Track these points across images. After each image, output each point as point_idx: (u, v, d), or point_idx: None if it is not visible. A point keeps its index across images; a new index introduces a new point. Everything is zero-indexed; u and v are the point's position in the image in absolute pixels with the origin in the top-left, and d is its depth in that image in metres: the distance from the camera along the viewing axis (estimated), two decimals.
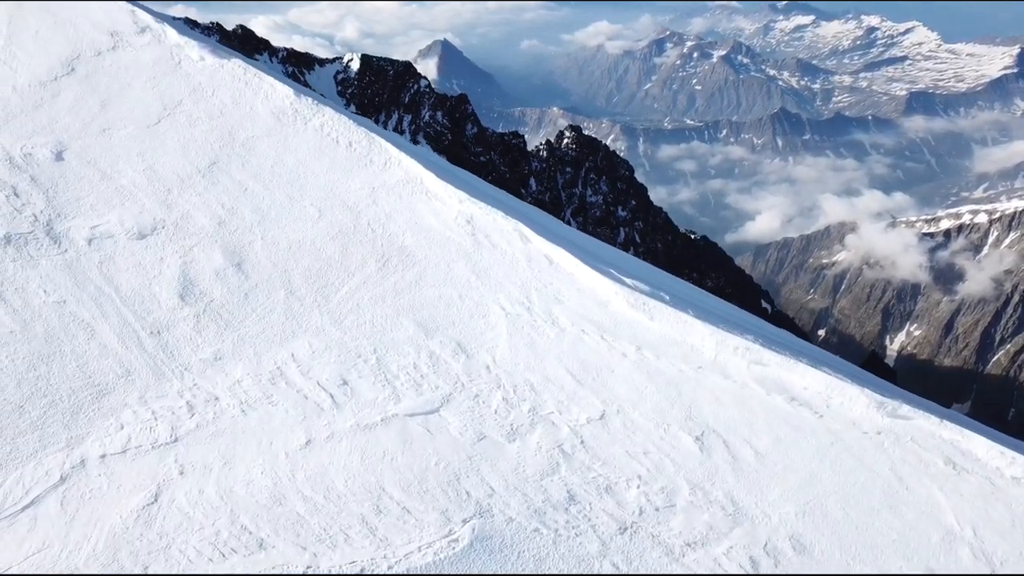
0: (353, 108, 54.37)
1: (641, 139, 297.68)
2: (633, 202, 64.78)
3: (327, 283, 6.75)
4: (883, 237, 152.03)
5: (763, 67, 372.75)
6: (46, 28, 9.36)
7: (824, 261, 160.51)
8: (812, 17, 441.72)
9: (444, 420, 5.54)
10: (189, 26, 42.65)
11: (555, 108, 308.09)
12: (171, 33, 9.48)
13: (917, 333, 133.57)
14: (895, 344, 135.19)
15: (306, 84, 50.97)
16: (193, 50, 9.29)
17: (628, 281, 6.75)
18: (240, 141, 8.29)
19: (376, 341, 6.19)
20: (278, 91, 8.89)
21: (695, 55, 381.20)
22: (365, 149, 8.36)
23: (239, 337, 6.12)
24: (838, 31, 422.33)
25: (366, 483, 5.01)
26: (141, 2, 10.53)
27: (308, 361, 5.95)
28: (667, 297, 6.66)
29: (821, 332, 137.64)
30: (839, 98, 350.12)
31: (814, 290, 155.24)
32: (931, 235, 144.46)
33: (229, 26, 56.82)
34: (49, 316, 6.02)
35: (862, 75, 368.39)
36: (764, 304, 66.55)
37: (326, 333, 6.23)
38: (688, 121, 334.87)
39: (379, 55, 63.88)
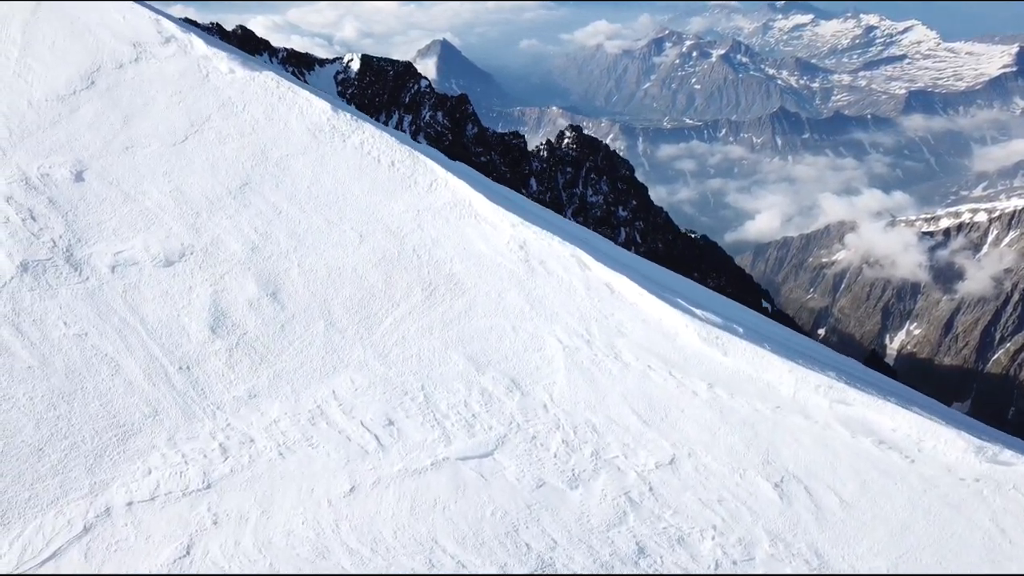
0: (354, 108, 54.24)
1: (640, 139, 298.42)
2: (634, 202, 64.86)
3: (370, 314, 6.41)
4: (883, 236, 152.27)
5: (762, 66, 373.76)
6: (63, 38, 8.92)
7: (824, 260, 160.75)
8: (811, 16, 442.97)
9: (499, 464, 5.23)
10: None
11: (554, 108, 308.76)
12: (198, 44, 9.05)
13: (917, 332, 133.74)
14: (895, 343, 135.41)
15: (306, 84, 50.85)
16: (222, 62, 8.87)
17: (699, 312, 6.37)
18: (273, 160, 7.89)
19: (424, 377, 5.87)
20: (314, 106, 8.48)
21: (694, 54, 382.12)
22: (409, 169, 7.97)
23: (275, 373, 5.80)
24: (837, 30, 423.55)
25: (417, 534, 4.73)
26: (145, 2, 10.13)
27: (351, 399, 5.64)
28: (741, 330, 6.28)
29: (821, 331, 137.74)
30: (838, 97, 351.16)
31: (814, 289, 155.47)
32: (931, 234, 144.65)
33: (228, 26, 56.93)
34: (70, 350, 5.69)
35: (861, 74, 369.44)
36: (764, 303, 66.53)
37: (370, 368, 5.91)
38: (687, 120, 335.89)
39: (378, 55, 64.07)
